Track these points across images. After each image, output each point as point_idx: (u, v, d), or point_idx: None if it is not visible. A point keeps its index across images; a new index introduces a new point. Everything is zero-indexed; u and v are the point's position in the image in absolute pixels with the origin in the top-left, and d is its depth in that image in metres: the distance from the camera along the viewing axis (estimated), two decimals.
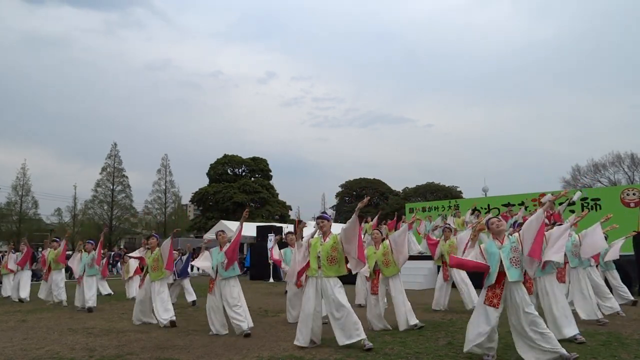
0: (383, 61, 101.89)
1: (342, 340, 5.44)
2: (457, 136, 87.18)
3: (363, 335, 5.42)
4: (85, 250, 10.15)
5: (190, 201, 50.84)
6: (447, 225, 9.55)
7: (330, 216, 6.26)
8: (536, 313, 4.64)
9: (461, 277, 8.70)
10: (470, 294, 8.57)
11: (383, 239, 7.35)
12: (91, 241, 10.65)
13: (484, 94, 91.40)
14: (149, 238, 8.29)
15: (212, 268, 6.85)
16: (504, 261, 4.67)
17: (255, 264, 18.61)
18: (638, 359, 4.82)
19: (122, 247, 34.09)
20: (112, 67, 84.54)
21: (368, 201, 5.61)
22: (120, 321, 8.09)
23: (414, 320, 6.73)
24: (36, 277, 15.90)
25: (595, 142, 67.97)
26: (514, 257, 4.70)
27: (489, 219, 5.15)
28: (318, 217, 6.04)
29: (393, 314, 6.92)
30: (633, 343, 5.53)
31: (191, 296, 10.40)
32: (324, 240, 5.83)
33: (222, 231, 7.19)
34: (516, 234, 4.93)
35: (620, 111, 67.96)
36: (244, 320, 6.56)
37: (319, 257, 5.72)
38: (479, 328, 4.69)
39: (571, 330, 5.65)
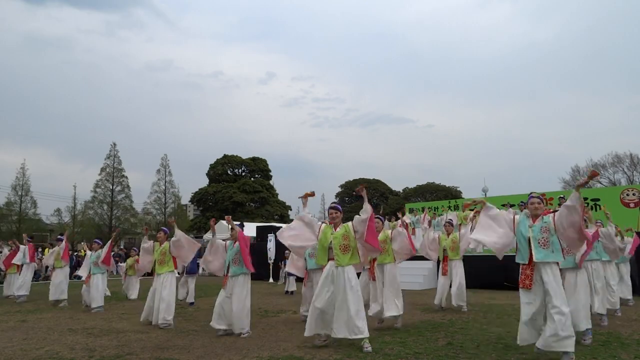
0: (383, 61, 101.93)
1: (341, 333, 5.27)
2: (457, 136, 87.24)
3: (366, 334, 5.28)
4: (91, 250, 10.13)
5: (190, 201, 50.83)
6: (449, 221, 9.54)
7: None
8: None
9: (457, 275, 8.70)
10: (461, 293, 8.58)
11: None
12: (98, 240, 10.62)
13: (484, 94, 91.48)
14: (157, 232, 8.29)
15: (225, 264, 6.90)
16: (532, 241, 4.71)
17: (255, 264, 18.58)
18: (638, 359, 4.82)
19: (121, 247, 34.07)
20: (113, 67, 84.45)
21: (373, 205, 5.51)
22: (120, 321, 8.08)
23: (393, 312, 6.70)
24: (35, 277, 15.90)
25: (595, 142, 67.94)
26: (542, 237, 4.72)
27: (532, 197, 4.99)
28: (330, 207, 5.90)
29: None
30: (633, 343, 5.54)
31: (191, 298, 10.40)
32: (335, 230, 5.70)
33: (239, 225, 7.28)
34: (550, 216, 4.85)
35: (620, 112, 68.03)
36: (247, 320, 6.55)
37: (330, 247, 5.58)
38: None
39: (586, 324, 5.57)
